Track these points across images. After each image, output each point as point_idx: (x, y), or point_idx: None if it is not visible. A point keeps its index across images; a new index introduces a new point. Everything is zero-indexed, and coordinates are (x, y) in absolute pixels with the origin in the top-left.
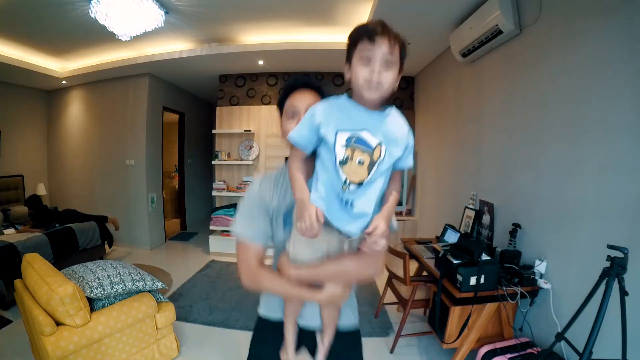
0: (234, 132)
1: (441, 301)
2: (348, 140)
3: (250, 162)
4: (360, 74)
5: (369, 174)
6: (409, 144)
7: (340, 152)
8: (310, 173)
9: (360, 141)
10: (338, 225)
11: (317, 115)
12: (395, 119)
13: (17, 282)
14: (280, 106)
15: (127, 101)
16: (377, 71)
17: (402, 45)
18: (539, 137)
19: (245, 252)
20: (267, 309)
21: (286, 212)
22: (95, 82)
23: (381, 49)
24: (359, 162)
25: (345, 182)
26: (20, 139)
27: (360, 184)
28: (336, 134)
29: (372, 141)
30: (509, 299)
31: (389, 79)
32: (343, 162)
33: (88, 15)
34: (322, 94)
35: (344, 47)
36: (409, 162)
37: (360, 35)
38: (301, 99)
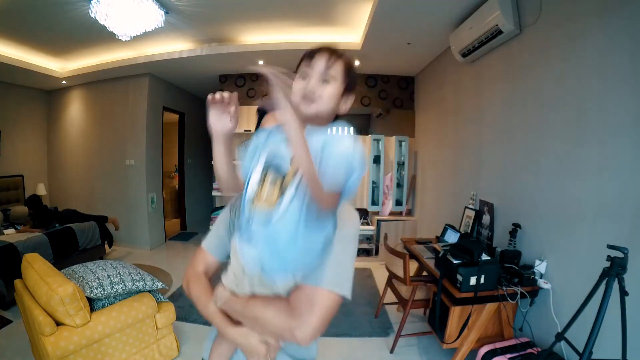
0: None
1: (441, 301)
2: (264, 168)
3: None
4: (296, 88)
5: (280, 198)
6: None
7: (254, 182)
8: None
9: (276, 165)
10: (244, 268)
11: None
12: (318, 140)
13: (17, 282)
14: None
15: (127, 101)
16: (311, 83)
17: (346, 64)
18: (539, 137)
19: (197, 257)
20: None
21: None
22: (95, 82)
23: (318, 64)
24: (271, 183)
25: (249, 220)
26: (20, 139)
27: (267, 217)
28: (259, 155)
29: (287, 164)
30: (509, 299)
31: (325, 92)
32: (253, 196)
33: (88, 15)
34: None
35: (344, 47)
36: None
37: (304, 56)
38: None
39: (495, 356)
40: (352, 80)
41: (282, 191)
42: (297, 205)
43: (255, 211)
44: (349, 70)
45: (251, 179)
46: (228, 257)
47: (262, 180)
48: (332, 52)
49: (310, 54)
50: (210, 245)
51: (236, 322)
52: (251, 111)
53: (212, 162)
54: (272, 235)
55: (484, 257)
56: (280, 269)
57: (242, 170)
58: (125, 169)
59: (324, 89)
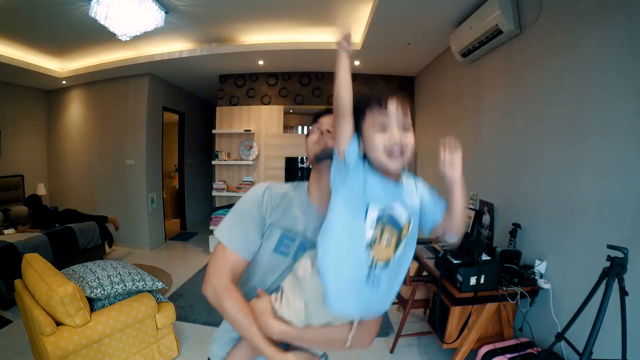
0: (234, 132)
1: (441, 301)
2: (379, 218)
3: (250, 162)
4: (378, 142)
5: (394, 252)
6: (424, 195)
7: (369, 233)
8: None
9: (391, 219)
10: (364, 310)
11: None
12: (408, 183)
13: (17, 282)
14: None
15: (127, 101)
16: (397, 134)
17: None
18: (539, 137)
19: (223, 261)
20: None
21: (283, 234)
22: (95, 82)
23: (396, 112)
24: (387, 245)
25: (372, 263)
26: (20, 139)
27: (387, 262)
28: (367, 208)
29: (403, 216)
30: (509, 299)
31: (410, 142)
32: (370, 245)
33: (88, 15)
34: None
35: None
36: (437, 212)
37: (365, 104)
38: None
39: (495, 356)
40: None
41: (397, 244)
42: (409, 252)
43: (375, 258)
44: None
45: (367, 223)
46: (252, 257)
47: (381, 232)
48: (400, 96)
49: (379, 101)
50: (239, 246)
51: (273, 342)
52: (251, 111)
53: (336, 87)
54: (391, 277)
55: (484, 257)
56: (388, 304)
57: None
58: (125, 169)
59: (408, 138)
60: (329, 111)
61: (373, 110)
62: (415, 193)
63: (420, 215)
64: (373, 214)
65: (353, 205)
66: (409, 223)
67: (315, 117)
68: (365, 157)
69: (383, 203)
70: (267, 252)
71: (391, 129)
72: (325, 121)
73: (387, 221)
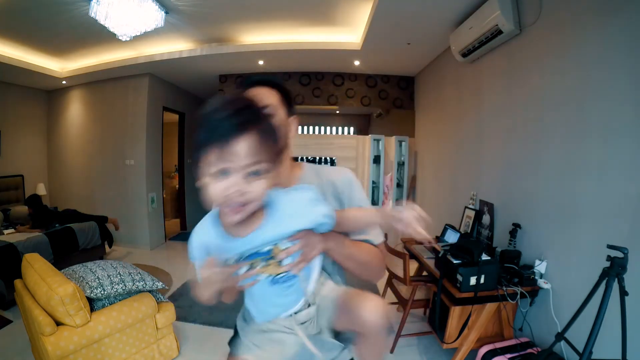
0: None
1: (441, 301)
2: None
3: None
4: (214, 191)
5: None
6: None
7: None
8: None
9: (252, 256)
10: (281, 308)
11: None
12: (282, 200)
13: (17, 282)
14: None
15: (127, 101)
16: (236, 186)
17: (271, 130)
18: (539, 137)
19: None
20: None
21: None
22: (95, 82)
23: (238, 152)
24: (264, 264)
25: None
26: (20, 139)
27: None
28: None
29: (263, 250)
30: (509, 299)
31: (257, 187)
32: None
33: (88, 15)
34: (281, 90)
35: (344, 47)
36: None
37: (207, 142)
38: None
39: (495, 356)
40: (274, 121)
41: (279, 263)
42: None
43: (265, 273)
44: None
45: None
46: None
47: (251, 265)
48: (249, 127)
49: (216, 142)
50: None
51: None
52: None
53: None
54: (291, 285)
55: (484, 257)
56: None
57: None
58: (125, 169)
59: (254, 186)
60: (254, 83)
61: (213, 150)
62: (299, 208)
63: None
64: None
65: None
66: (277, 246)
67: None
68: None
69: (231, 257)
70: None
71: (229, 176)
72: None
73: (249, 258)
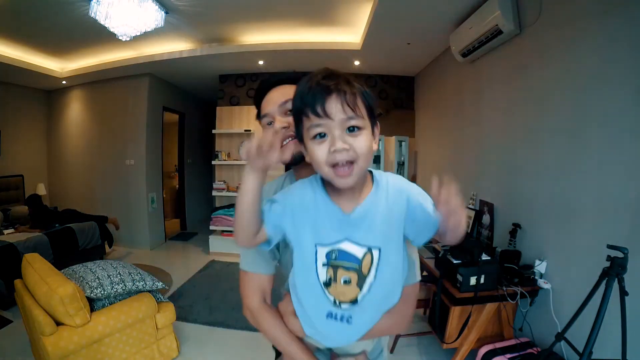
0: (234, 132)
1: (441, 301)
2: (328, 256)
3: None
4: (317, 154)
5: (360, 290)
6: (418, 209)
7: (322, 273)
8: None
9: (343, 255)
10: (338, 345)
11: (279, 212)
12: (384, 195)
13: (17, 282)
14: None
15: (127, 101)
16: (341, 143)
17: (362, 94)
18: (539, 137)
19: (247, 284)
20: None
21: None
22: (95, 82)
23: (336, 116)
24: (345, 282)
25: (335, 302)
26: (20, 139)
27: (354, 301)
28: (315, 248)
29: (358, 252)
30: (509, 299)
31: (363, 147)
32: (327, 284)
33: (88, 15)
34: None
35: (344, 47)
36: (427, 233)
37: (301, 109)
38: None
39: (495, 356)
40: (373, 108)
41: (362, 280)
42: (387, 277)
43: (336, 298)
44: (368, 98)
45: (317, 263)
46: (273, 268)
47: (334, 272)
48: (341, 87)
49: (312, 104)
50: (255, 266)
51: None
52: (252, 111)
53: (238, 197)
54: (367, 313)
55: (484, 257)
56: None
57: (269, 229)
58: (125, 169)
59: (358, 141)
60: (275, 83)
61: (307, 115)
62: (390, 214)
63: (408, 230)
64: (322, 255)
65: (301, 250)
66: (370, 253)
67: (257, 102)
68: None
69: (329, 243)
70: (287, 254)
71: (332, 135)
72: (275, 109)
73: (338, 258)
